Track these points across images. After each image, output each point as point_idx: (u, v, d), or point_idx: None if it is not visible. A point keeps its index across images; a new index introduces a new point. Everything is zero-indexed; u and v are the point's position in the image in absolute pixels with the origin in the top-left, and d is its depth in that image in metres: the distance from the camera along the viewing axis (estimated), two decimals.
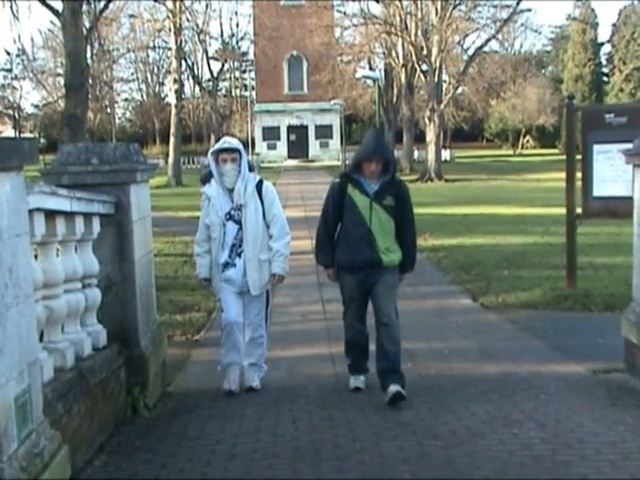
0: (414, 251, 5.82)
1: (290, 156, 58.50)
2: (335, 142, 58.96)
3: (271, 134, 59.95)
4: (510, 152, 64.72)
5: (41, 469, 3.25)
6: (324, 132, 60.35)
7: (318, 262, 5.95)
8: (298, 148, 59.48)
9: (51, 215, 4.08)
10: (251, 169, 5.82)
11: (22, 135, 59.51)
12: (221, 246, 5.71)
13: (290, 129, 60.27)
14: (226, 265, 5.72)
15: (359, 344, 5.77)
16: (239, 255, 5.70)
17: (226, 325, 5.72)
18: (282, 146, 60.13)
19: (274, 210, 5.79)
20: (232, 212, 5.71)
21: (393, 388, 5.24)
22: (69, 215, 4.35)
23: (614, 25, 67.65)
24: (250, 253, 5.68)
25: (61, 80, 40.49)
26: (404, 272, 5.80)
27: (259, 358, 5.84)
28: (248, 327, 5.81)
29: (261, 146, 59.85)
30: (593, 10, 67.23)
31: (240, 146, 5.80)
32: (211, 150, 5.79)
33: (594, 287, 9.36)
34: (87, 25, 21.53)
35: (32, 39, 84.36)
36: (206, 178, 5.85)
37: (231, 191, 5.69)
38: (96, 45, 51.18)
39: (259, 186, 5.79)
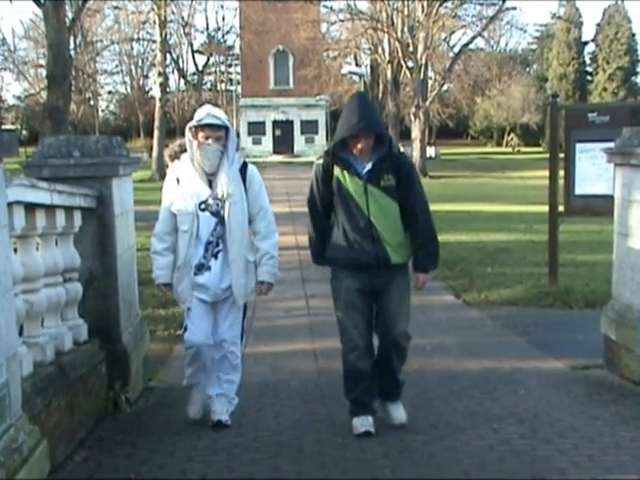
0: (432, 240, 4.54)
1: (275, 151, 58.30)
2: (321, 138, 58.80)
3: (256, 129, 59.72)
4: (508, 149, 64.85)
5: (19, 464, 3.22)
6: (309, 127, 60.19)
7: (316, 263, 4.83)
8: (283, 143, 59.28)
9: (31, 208, 4.05)
10: (237, 148, 4.71)
11: (3, 127, 59.01)
12: (193, 241, 4.59)
13: (275, 124, 60.05)
14: (200, 267, 4.62)
15: (364, 375, 4.53)
16: (215, 256, 4.60)
17: (191, 347, 4.71)
18: (267, 141, 59.92)
19: (261, 201, 4.71)
20: (210, 201, 4.57)
21: (394, 414, 4.66)
22: (50, 208, 4.32)
23: (598, 24, 67.92)
24: (236, 253, 4.58)
25: (43, 71, 40.19)
26: (423, 270, 4.60)
27: (229, 388, 4.78)
28: (219, 345, 4.71)
29: (246, 141, 59.58)
30: (578, 9, 67.51)
31: (228, 122, 4.61)
32: (190, 124, 4.58)
33: (575, 284, 9.43)
34: (70, 16, 21.37)
35: (13, 29, 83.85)
36: (176, 153, 4.75)
37: (210, 175, 4.60)
38: (79, 37, 50.82)
39: (243, 171, 4.68)
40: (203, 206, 4.59)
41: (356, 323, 4.48)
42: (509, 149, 64.74)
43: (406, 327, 4.60)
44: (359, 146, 4.33)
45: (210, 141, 4.52)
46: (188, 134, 4.58)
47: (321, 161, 4.53)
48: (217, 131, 4.54)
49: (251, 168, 4.75)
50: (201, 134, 4.54)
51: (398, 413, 4.66)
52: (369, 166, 4.38)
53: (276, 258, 4.73)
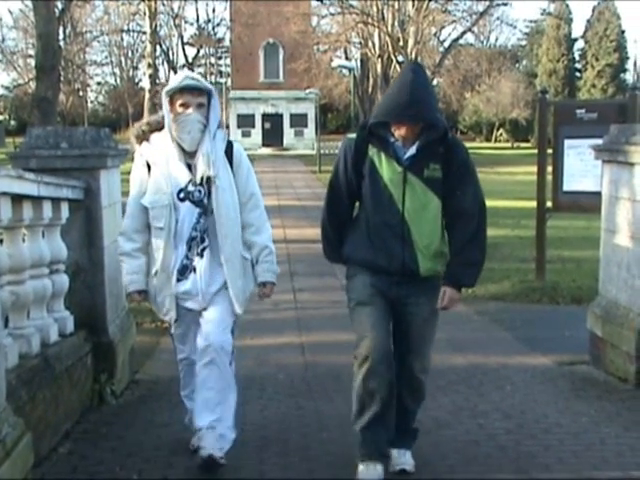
0: (477, 253, 3.65)
1: (264, 144, 58.24)
2: (310, 131, 58.78)
3: (246, 122, 59.65)
4: (498, 144, 64.91)
5: (3, 456, 3.20)
6: (299, 121, 60.17)
7: (329, 259, 4.00)
8: (273, 136, 59.23)
9: (18, 199, 4.02)
10: (219, 125, 3.92)
11: None
12: (172, 240, 3.80)
13: (265, 117, 59.99)
14: (184, 270, 3.83)
15: (376, 398, 3.61)
16: (201, 254, 3.81)
17: (182, 360, 4.13)
18: (256, 134, 59.84)
19: (251, 187, 3.94)
20: (190, 188, 3.78)
21: (400, 460, 3.84)
22: (36, 200, 4.29)
23: (588, 21, 67.99)
24: (229, 251, 3.81)
25: (32, 62, 39.95)
26: (454, 284, 3.67)
27: (224, 411, 3.87)
28: (203, 352, 3.83)
29: (235, 133, 59.42)
30: (567, 6, 67.50)
31: (211, 86, 3.83)
32: (166, 88, 3.80)
33: (562, 280, 9.47)
34: (59, 6, 21.25)
35: (1, 19, 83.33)
36: (144, 133, 3.93)
37: (190, 155, 3.79)
38: (69, 27, 50.53)
39: (229, 150, 3.90)
40: (182, 195, 3.80)
41: (371, 326, 3.59)
42: (505, 144, 64.71)
43: (428, 353, 3.85)
44: (402, 132, 3.52)
45: (190, 110, 3.73)
46: (166, 103, 3.78)
47: (354, 136, 3.70)
48: (198, 96, 3.74)
49: (237, 148, 3.95)
50: (179, 101, 3.74)
51: (403, 458, 3.86)
52: (412, 150, 3.56)
53: (274, 252, 4.01)
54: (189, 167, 3.80)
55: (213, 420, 3.83)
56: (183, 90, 3.73)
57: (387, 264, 3.60)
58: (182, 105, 3.73)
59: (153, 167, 3.83)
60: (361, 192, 3.68)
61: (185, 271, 3.84)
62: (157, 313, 4.06)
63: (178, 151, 3.79)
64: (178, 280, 3.85)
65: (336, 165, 3.76)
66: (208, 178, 3.76)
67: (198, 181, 3.78)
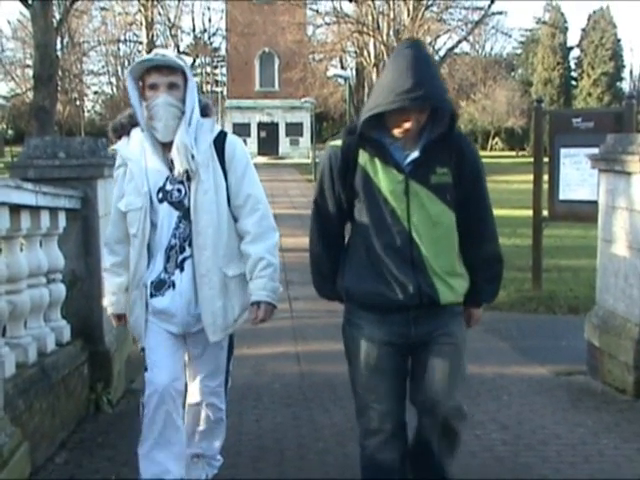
0: (499, 267, 3.16)
1: (260, 153, 58.28)
2: (305, 140, 58.87)
3: (241, 130, 59.54)
4: (494, 153, 65.16)
5: (0, 466, 3.20)
6: (294, 130, 60.27)
7: (322, 296, 3.21)
8: (268, 145, 59.32)
9: (16, 209, 4.02)
10: (205, 112, 3.28)
11: None
12: (147, 249, 3.23)
13: (260, 126, 60.09)
14: (160, 286, 3.23)
15: (389, 472, 3.03)
16: (181, 267, 3.21)
17: (152, 394, 3.23)
18: (252, 143, 59.84)
19: (247, 187, 3.25)
20: (168, 187, 3.20)
21: None
22: (34, 209, 4.30)
23: (583, 30, 68.29)
24: (206, 265, 3.17)
25: (30, 72, 39.98)
26: (478, 304, 3.20)
27: (209, 447, 3.63)
28: (195, 397, 3.48)
29: None
30: (563, 14, 67.86)
31: (183, 63, 3.19)
32: (130, 67, 3.20)
33: (559, 289, 9.47)
34: (57, 17, 21.32)
35: (0, 30, 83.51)
36: (123, 127, 3.34)
37: (167, 147, 3.18)
38: (66, 37, 50.61)
39: (220, 143, 3.24)
40: (161, 195, 3.20)
41: (380, 396, 2.96)
42: (503, 153, 64.85)
43: (459, 400, 3.11)
44: (406, 125, 2.76)
45: (161, 91, 3.11)
46: (132, 89, 3.19)
47: (339, 143, 2.94)
48: (169, 75, 3.11)
49: (232, 140, 3.30)
50: (148, 82, 3.15)
51: None
52: (415, 153, 2.84)
53: (275, 266, 3.28)
54: (170, 162, 3.20)
55: (197, 453, 3.62)
56: (150, 70, 3.13)
57: (402, 296, 2.86)
58: (151, 88, 3.14)
59: (130, 164, 3.24)
60: (353, 211, 2.95)
61: (162, 286, 3.23)
62: (132, 334, 3.54)
63: (153, 143, 3.19)
64: (153, 296, 3.26)
65: (320, 181, 3.00)
66: (188, 174, 3.17)
67: (177, 178, 3.19)
